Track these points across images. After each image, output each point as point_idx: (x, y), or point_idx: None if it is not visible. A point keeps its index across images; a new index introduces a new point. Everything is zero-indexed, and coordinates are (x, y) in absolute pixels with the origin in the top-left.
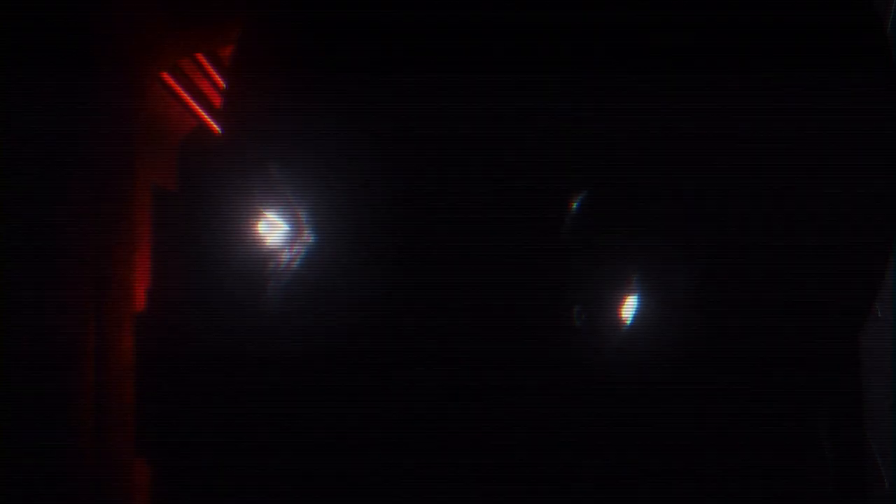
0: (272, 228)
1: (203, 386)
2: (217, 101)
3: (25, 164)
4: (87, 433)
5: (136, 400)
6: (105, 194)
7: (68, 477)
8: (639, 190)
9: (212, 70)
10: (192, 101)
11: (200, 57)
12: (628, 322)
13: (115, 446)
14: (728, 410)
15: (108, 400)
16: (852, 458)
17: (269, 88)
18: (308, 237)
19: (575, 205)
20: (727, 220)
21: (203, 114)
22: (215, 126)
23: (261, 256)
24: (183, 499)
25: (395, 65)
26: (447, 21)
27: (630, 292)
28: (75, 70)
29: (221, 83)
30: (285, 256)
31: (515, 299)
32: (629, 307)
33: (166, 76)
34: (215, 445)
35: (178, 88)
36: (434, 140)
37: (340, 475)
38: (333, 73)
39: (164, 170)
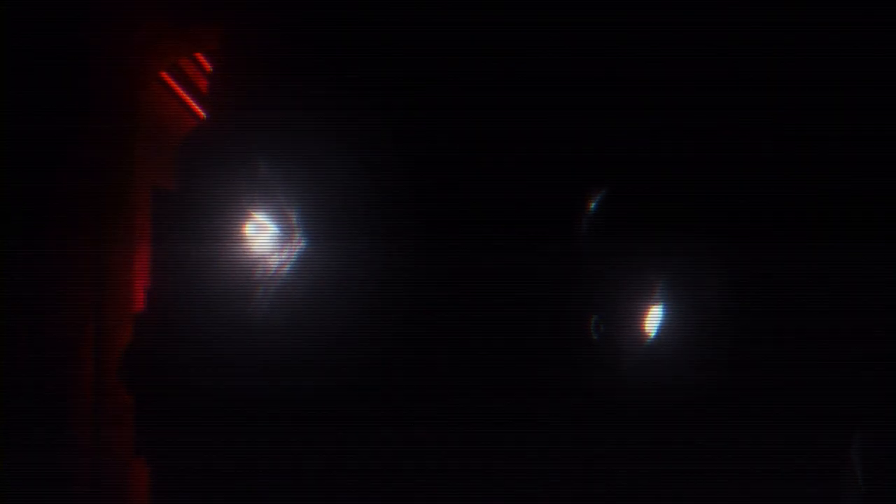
0: (262, 230)
1: (197, 387)
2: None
3: (25, 163)
4: (86, 433)
5: (134, 400)
6: (105, 194)
7: (67, 477)
8: (661, 186)
9: (212, 70)
10: (192, 100)
11: (200, 57)
12: (652, 334)
13: (113, 446)
14: (757, 436)
15: (108, 399)
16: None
17: (256, 83)
18: (300, 240)
19: (592, 204)
20: (761, 217)
21: (203, 114)
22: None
23: (250, 260)
24: (182, 499)
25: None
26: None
27: (653, 300)
28: (75, 69)
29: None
30: (275, 260)
31: (522, 308)
32: (652, 317)
33: (166, 76)
34: (211, 446)
35: (178, 88)
36: (435, 137)
37: (336, 476)
38: (324, 70)
39: (164, 170)
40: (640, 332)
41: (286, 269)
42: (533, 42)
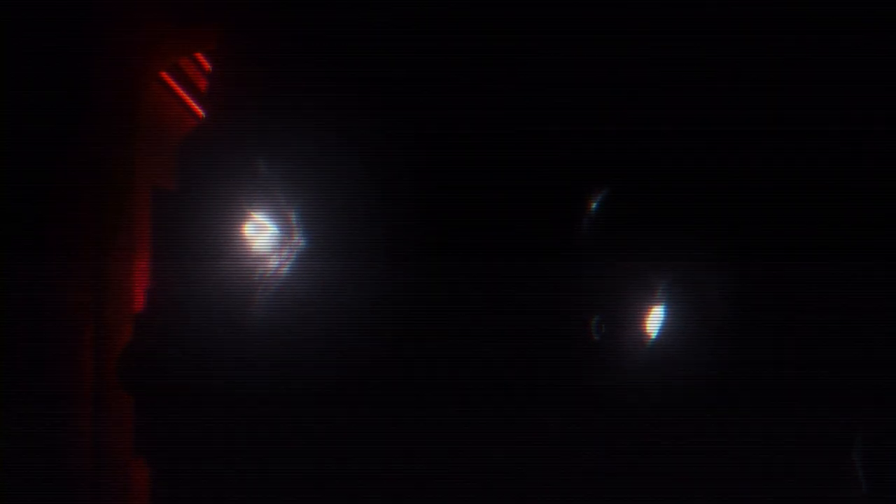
0: (260, 231)
1: (197, 387)
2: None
3: (25, 163)
4: (86, 433)
5: (134, 400)
6: (105, 194)
7: (67, 477)
8: (663, 185)
9: (212, 70)
10: (192, 101)
11: (200, 57)
12: (654, 335)
13: (113, 446)
14: (762, 440)
15: (108, 399)
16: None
17: (256, 83)
18: (299, 240)
19: (594, 204)
20: (764, 217)
21: (203, 114)
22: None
23: (249, 260)
24: (182, 499)
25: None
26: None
27: (655, 301)
28: (76, 69)
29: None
30: (274, 261)
31: (524, 310)
32: (654, 318)
33: (166, 76)
34: (210, 447)
35: (178, 88)
36: (436, 135)
37: (335, 478)
38: (325, 69)
39: (164, 170)
40: (642, 333)
41: (285, 269)
42: (535, 42)
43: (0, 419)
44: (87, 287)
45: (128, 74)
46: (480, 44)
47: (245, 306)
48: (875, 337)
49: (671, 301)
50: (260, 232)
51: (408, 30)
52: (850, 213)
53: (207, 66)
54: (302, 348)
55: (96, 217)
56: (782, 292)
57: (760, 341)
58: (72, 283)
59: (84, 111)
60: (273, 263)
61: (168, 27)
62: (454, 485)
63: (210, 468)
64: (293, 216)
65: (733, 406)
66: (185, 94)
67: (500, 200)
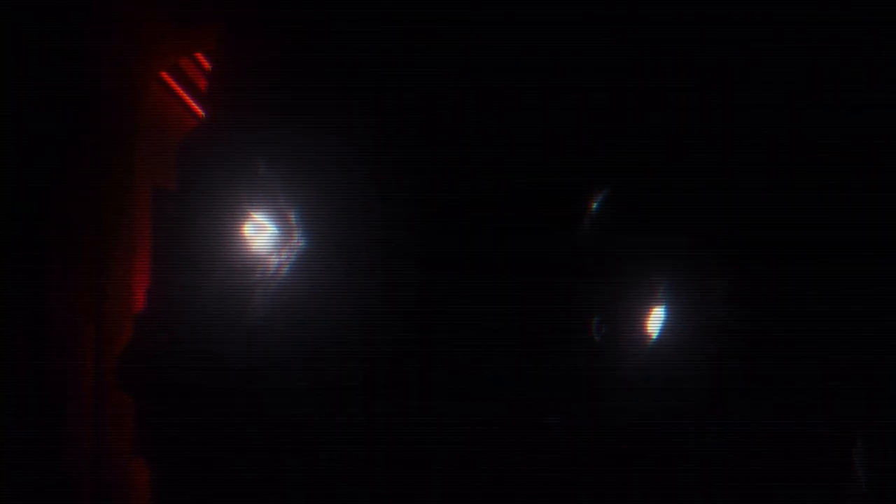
0: (260, 231)
1: (196, 387)
2: None
3: (27, 163)
4: (86, 433)
5: (133, 400)
6: (105, 194)
7: (67, 476)
8: (665, 187)
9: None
10: (192, 100)
11: (200, 57)
12: (654, 336)
13: (113, 446)
14: (763, 442)
15: (108, 399)
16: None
17: (256, 83)
18: (299, 241)
19: (594, 204)
20: (764, 217)
21: (203, 113)
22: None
23: (248, 260)
24: (182, 499)
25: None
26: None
27: (656, 301)
28: (76, 70)
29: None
30: (274, 261)
31: (523, 309)
32: (655, 318)
33: (166, 76)
34: (210, 446)
35: (178, 88)
36: (437, 134)
37: (334, 476)
38: (325, 69)
39: (164, 170)
40: (642, 333)
41: (285, 269)
42: (536, 42)
43: (0, 419)
44: (87, 287)
45: (128, 74)
46: (480, 44)
47: (245, 306)
48: (875, 337)
49: (671, 301)
50: (260, 232)
51: (408, 30)
52: (851, 214)
53: (207, 66)
54: (302, 348)
55: (96, 217)
56: (782, 293)
57: (760, 341)
58: (72, 283)
59: (84, 111)
60: (273, 263)
61: (168, 27)
62: (455, 481)
63: (210, 467)
64: (293, 216)
65: (733, 406)
66: (185, 94)
67: (500, 200)
